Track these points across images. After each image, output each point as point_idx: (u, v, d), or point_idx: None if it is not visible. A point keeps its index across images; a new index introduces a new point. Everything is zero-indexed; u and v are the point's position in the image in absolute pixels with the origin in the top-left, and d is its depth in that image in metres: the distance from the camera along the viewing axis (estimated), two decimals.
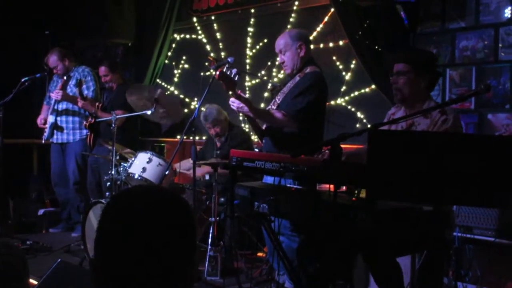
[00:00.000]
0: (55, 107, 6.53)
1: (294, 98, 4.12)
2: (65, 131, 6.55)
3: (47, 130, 6.58)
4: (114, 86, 6.50)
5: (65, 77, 6.44)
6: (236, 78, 4.04)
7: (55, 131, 6.58)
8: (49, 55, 6.60)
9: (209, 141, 6.02)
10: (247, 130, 6.13)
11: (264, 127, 4.40)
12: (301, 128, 4.09)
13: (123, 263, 1.27)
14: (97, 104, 6.34)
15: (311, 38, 5.86)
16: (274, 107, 4.26)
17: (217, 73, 3.97)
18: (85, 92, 6.50)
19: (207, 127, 5.77)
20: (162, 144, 7.63)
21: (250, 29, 6.59)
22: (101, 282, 1.32)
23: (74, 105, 6.43)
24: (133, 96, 5.51)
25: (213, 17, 7.07)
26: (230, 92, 4.03)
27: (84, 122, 6.47)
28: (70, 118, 6.54)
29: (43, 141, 6.69)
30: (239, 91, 4.14)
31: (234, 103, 4.11)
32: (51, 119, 6.55)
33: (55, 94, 6.26)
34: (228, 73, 4.00)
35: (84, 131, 6.53)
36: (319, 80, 4.20)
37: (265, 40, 6.37)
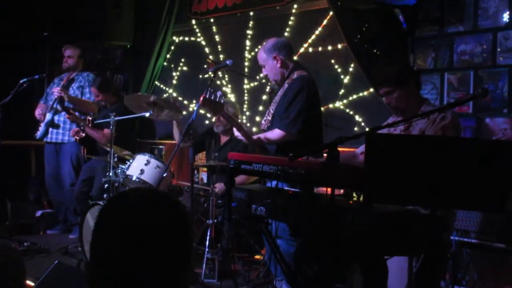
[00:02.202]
0: (54, 106, 6.50)
1: (285, 111, 4.16)
2: (61, 130, 6.51)
3: (41, 128, 6.55)
4: (108, 105, 6.44)
5: (75, 77, 6.44)
6: (222, 101, 4.09)
7: (50, 129, 6.53)
8: (71, 46, 6.62)
9: (213, 133, 5.90)
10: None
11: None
12: (298, 135, 4.13)
13: (119, 265, 1.27)
14: (88, 118, 6.30)
15: (309, 41, 5.90)
16: (269, 118, 4.31)
17: (201, 99, 4.02)
18: (87, 96, 6.49)
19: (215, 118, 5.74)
20: (160, 146, 7.63)
21: (249, 32, 6.60)
22: (97, 285, 1.32)
23: (74, 105, 6.41)
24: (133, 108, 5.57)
25: (212, 20, 7.08)
26: (224, 118, 4.18)
27: (75, 137, 6.42)
28: None
29: (36, 137, 6.65)
30: (235, 118, 4.29)
31: (238, 136, 4.38)
32: (48, 117, 6.51)
33: (56, 91, 6.22)
34: (213, 97, 4.04)
35: (81, 133, 6.50)
36: (306, 84, 4.21)
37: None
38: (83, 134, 6.29)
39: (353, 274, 3.12)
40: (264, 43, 4.46)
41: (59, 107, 6.38)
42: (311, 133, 4.22)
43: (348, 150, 4.82)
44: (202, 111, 6.79)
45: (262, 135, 4.25)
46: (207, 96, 4.04)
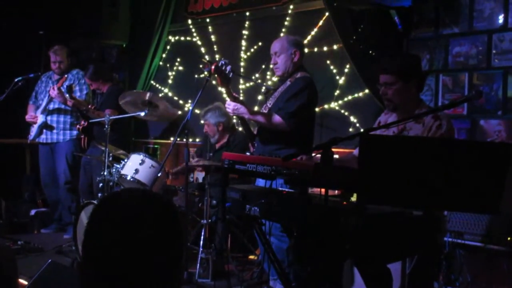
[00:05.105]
0: (47, 107, 6.48)
1: (286, 101, 4.21)
2: (55, 131, 6.48)
3: (34, 130, 6.51)
4: (104, 89, 6.48)
5: (65, 75, 6.43)
6: (230, 75, 4.13)
7: (44, 131, 6.50)
8: (57, 48, 6.55)
9: (209, 140, 5.97)
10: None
11: (255, 131, 4.47)
12: (293, 130, 4.19)
13: (111, 265, 1.28)
14: (90, 106, 6.31)
15: (305, 41, 5.91)
16: (265, 112, 4.32)
17: (212, 67, 4.10)
18: (78, 94, 6.47)
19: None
20: (156, 146, 7.63)
21: (245, 32, 6.60)
22: (89, 284, 1.32)
23: (66, 105, 6.40)
24: (127, 99, 5.56)
25: (208, 20, 7.08)
26: (225, 91, 4.12)
27: (78, 126, 6.42)
28: (62, 118, 6.49)
29: (28, 141, 6.63)
30: (234, 93, 4.28)
31: (229, 105, 4.28)
32: (41, 118, 6.49)
33: (51, 90, 6.19)
34: (223, 68, 4.13)
35: (75, 132, 6.48)
36: (309, 84, 4.31)
37: (260, 44, 6.38)
38: (85, 124, 6.29)
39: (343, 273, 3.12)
40: (285, 35, 4.47)
41: (52, 106, 6.32)
42: (304, 131, 4.30)
43: (344, 151, 4.84)
44: (197, 111, 6.79)
45: (262, 112, 4.32)
46: (219, 65, 4.12)
